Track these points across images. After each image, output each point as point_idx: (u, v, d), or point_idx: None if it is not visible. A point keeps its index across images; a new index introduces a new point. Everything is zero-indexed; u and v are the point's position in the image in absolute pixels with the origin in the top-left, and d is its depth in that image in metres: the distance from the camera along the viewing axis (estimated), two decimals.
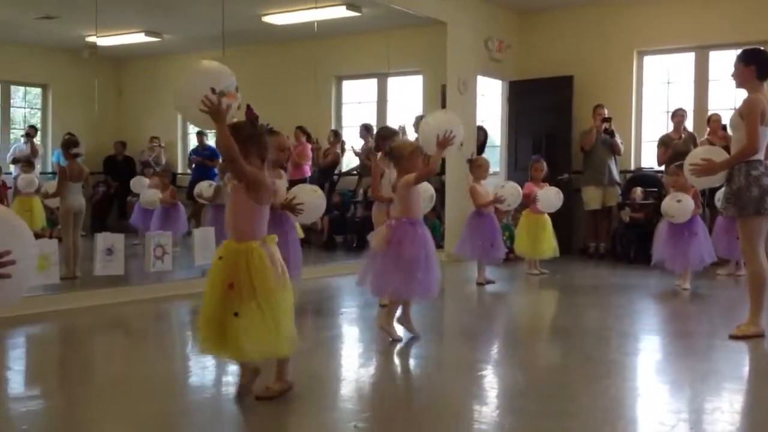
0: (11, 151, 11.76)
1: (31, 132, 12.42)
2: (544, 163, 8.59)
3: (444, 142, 5.03)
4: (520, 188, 7.98)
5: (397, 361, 4.76)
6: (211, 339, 3.41)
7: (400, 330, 5.11)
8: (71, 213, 7.37)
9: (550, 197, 8.16)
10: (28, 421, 3.39)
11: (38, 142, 12.62)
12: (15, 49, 12.41)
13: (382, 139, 6.36)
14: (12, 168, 11.31)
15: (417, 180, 4.96)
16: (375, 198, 6.26)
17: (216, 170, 10.98)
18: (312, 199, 5.54)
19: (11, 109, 13.31)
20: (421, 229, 5.02)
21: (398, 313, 5.11)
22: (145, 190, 10.64)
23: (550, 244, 8.27)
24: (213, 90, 3.55)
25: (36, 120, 13.67)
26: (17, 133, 12.75)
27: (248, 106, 3.66)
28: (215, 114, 3.36)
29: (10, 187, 10.61)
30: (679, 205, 7.11)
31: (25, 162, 11.37)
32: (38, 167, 11.80)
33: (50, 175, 10.86)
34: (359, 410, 3.57)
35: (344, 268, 8.67)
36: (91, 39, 11.72)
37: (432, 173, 5.30)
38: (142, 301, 6.44)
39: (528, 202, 8.23)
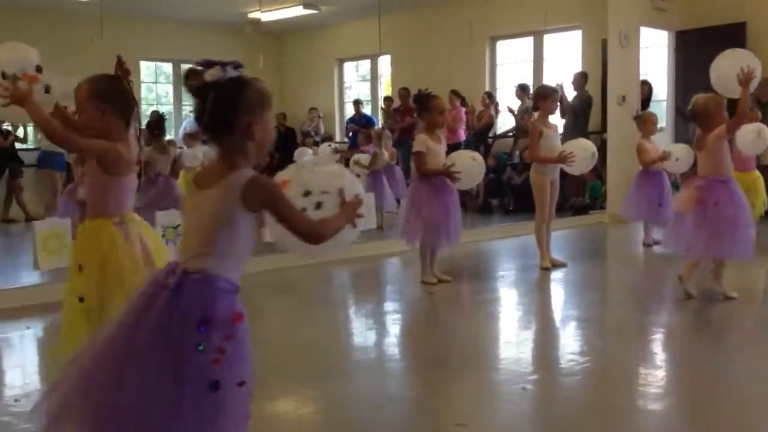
0: (183, 126, 12.47)
1: None
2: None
3: (747, 79, 4.70)
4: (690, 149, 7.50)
5: (558, 324, 4.68)
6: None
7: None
8: None
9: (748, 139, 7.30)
10: None
11: None
12: (183, 28, 13.11)
13: (541, 99, 6.19)
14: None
15: (731, 129, 4.71)
16: (534, 159, 6.12)
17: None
18: (470, 166, 5.49)
19: (182, 86, 14.12)
20: (734, 187, 4.76)
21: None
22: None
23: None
24: (3, 75, 3.26)
25: None
26: (187, 109, 13.51)
27: (118, 58, 3.19)
28: (16, 100, 2.93)
29: None
30: None
31: (191, 136, 12.03)
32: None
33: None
34: (525, 372, 3.53)
35: (500, 231, 8.61)
36: (254, 15, 12.18)
37: (744, 117, 4.97)
38: (303, 266, 6.66)
39: None
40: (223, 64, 1.94)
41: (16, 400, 3.22)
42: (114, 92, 2.93)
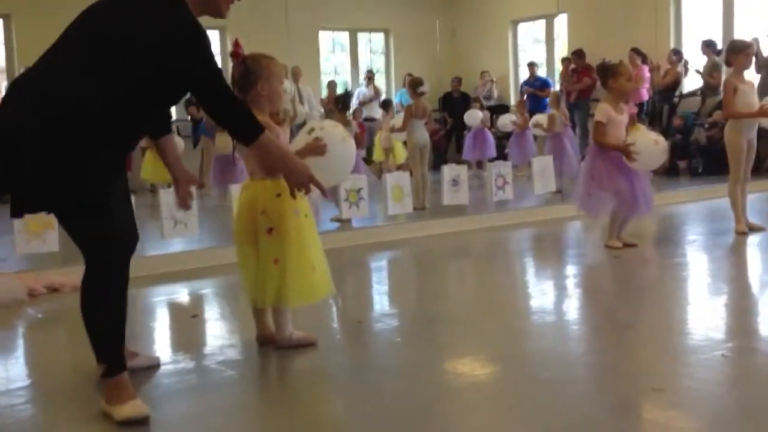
0: (355, 95, 12.79)
1: (370, 75, 13.40)
2: None
3: None
4: None
5: (757, 291, 4.42)
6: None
7: None
8: (417, 148, 7.83)
9: None
10: (386, 337, 3.74)
11: (378, 85, 13.57)
12: None
13: (733, 54, 5.81)
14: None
15: None
16: (730, 116, 5.76)
17: (547, 101, 10.95)
18: (651, 149, 5.25)
19: (358, 55, 14.44)
20: None
21: None
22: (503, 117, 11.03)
23: None
24: None
25: (380, 64, 14.70)
26: (361, 78, 13.81)
27: (236, 41, 3.24)
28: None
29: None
30: None
31: (362, 104, 12.38)
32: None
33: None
34: (722, 339, 3.38)
35: (689, 194, 8.22)
36: None
37: None
38: (484, 229, 6.69)
39: None
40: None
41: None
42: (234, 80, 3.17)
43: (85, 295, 2.59)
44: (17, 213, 2.50)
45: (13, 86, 2.54)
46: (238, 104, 2.63)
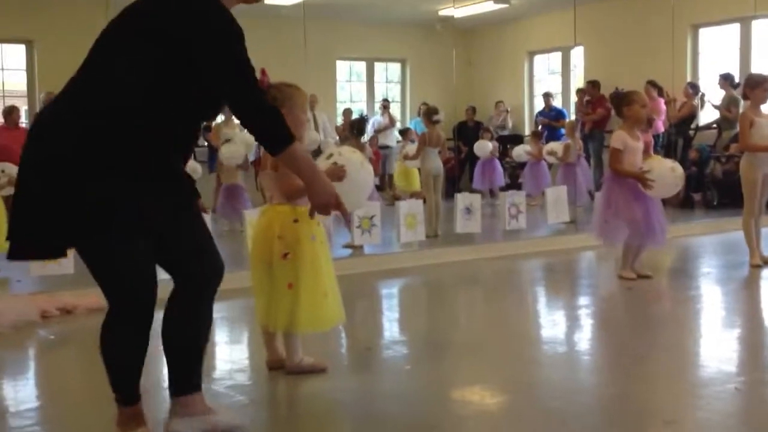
0: (371, 123, 12.87)
1: (386, 104, 13.49)
2: None
3: None
4: None
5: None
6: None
7: None
8: (431, 176, 7.85)
9: None
10: (396, 364, 3.72)
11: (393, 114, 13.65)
12: (377, 28, 13.50)
13: (750, 88, 5.82)
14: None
15: None
16: (746, 149, 5.74)
17: (563, 131, 10.98)
18: (666, 176, 5.24)
19: (374, 84, 14.56)
20: None
21: None
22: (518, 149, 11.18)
23: None
24: None
25: (395, 93, 14.79)
26: (377, 107, 13.91)
27: (263, 71, 3.15)
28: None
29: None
30: None
31: (378, 132, 12.47)
32: (395, 135, 12.81)
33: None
34: (736, 372, 3.35)
35: (704, 227, 8.17)
36: (445, 13, 12.31)
37: None
38: (497, 258, 6.67)
39: None
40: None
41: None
42: None
43: (107, 336, 2.49)
44: (24, 254, 2.39)
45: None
46: (273, 109, 2.46)
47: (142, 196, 2.30)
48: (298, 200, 3.18)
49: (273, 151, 2.48)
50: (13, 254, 2.34)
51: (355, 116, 12.05)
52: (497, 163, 11.30)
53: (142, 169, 2.31)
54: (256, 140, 2.52)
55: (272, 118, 2.42)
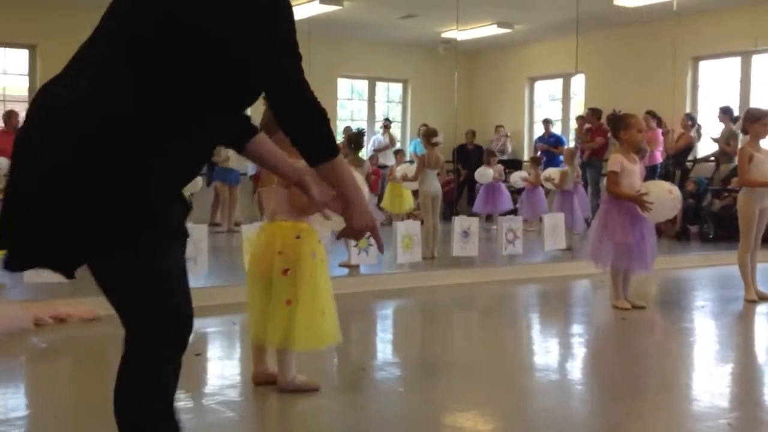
0: (371, 142, 12.91)
1: (387, 124, 13.53)
2: None
3: None
4: None
5: (763, 360, 4.38)
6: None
7: None
8: (429, 197, 7.86)
9: None
10: (389, 386, 3.71)
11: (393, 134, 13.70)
12: (380, 48, 13.57)
13: (750, 122, 5.84)
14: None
15: None
16: (745, 184, 5.76)
17: (561, 158, 11.01)
18: (664, 199, 5.24)
19: (375, 104, 14.60)
20: None
21: None
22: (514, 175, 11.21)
23: None
24: None
25: (396, 113, 14.84)
26: (377, 126, 13.95)
27: None
28: None
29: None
30: None
31: (378, 151, 12.52)
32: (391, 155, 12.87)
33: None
34: (729, 408, 3.34)
35: (699, 259, 8.18)
36: (448, 35, 12.38)
37: None
38: (493, 282, 6.66)
39: None
40: None
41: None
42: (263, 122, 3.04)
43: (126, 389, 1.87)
44: (23, 264, 1.85)
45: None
46: (323, 111, 1.97)
47: (162, 199, 1.82)
48: (305, 217, 3.20)
49: (316, 159, 1.97)
50: (10, 267, 1.84)
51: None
52: (503, 187, 11.23)
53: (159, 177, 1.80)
54: (293, 144, 1.95)
55: (321, 120, 1.96)
